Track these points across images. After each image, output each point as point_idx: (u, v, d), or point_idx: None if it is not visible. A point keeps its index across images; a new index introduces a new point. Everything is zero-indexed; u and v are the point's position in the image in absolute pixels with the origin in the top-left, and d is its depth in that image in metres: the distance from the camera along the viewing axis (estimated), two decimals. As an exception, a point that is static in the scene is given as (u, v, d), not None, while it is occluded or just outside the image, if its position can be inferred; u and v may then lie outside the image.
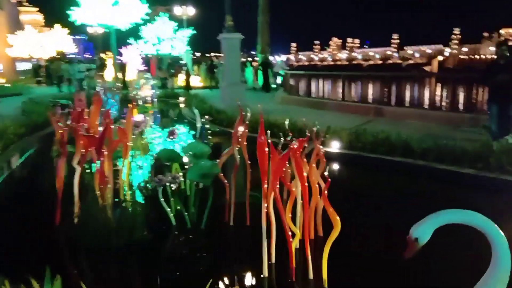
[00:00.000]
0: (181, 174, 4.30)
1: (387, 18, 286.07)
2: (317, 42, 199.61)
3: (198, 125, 6.52)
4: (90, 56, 50.53)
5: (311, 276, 3.25)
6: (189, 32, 25.65)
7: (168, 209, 4.34)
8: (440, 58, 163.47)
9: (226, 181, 4.40)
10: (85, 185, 4.87)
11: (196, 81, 24.61)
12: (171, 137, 5.33)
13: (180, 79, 22.57)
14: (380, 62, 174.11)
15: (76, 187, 4.52)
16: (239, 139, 4.24)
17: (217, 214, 4.40)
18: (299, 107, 12.41)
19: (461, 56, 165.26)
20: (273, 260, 3.44)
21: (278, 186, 3.30)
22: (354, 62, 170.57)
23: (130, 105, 5.40)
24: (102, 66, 24.34)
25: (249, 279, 3.27)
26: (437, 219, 1.90)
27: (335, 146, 7.09)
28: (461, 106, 10.89)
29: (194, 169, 4.22)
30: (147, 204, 4.61)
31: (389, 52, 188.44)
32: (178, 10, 26.75)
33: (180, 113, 13.41)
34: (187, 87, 20.02)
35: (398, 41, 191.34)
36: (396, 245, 2.36)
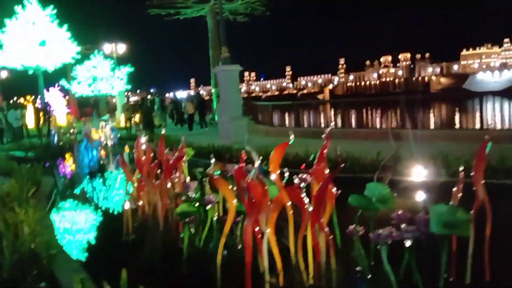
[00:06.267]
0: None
1: (279, 52, 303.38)
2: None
3: (256, 165, 5.60)
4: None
5: None
6: (126, 69, 23.96)
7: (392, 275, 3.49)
8: (330, 86, 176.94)
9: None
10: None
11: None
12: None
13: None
14: (276, 93, 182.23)
15: (265, 255, 3.47)
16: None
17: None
18: (300, 138, 11.84)
19: (349, 84, 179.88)
20: None
21: None
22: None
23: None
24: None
25: None
26: None
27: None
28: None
29: (432, 218, 3.43)
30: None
31: (284, 84, 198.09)
32: (107, 48, 24.94)
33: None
34: (149, 126, 18.26)
35: (291, 72, 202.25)
36: None
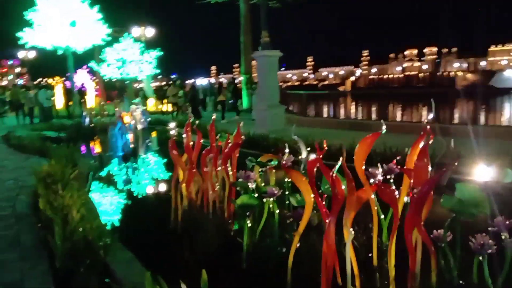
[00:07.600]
0: None
1: (301, 42, 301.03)
2: (236, 65, 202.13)
3: (304, 156, 5.05)
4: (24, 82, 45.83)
5: None
6: (155, 53, 23.66)
7: None
8: (353, 78, 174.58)
9: None
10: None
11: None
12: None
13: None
14: (297, 83, 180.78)
15: (348, 259, 3.08)
16: None
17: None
18: (336, 129, 11.39)
19: (371, 76, 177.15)
20: None
21: None
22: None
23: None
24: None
25: None
26: None
27: None
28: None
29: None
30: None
31: (305, 74, 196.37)
32: (136, 31, 24.66)
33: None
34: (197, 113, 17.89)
35: (313, 63, 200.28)
36: None
